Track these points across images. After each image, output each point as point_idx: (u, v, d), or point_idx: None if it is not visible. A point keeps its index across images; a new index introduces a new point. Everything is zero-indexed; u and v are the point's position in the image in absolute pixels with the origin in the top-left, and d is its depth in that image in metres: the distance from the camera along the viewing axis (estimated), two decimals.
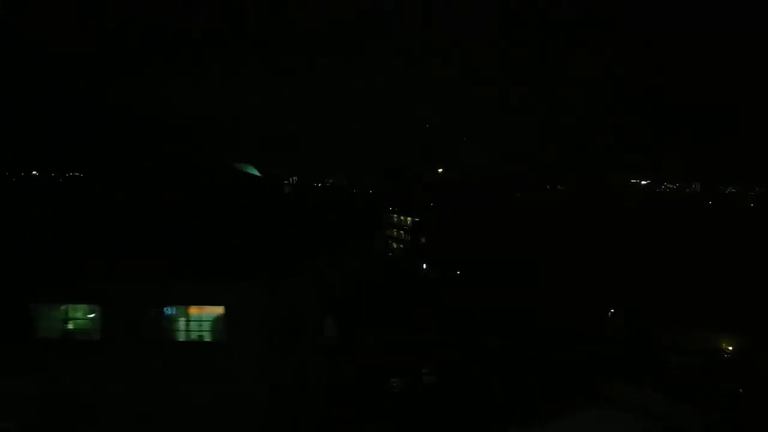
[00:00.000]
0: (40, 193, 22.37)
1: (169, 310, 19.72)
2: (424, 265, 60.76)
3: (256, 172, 29.10)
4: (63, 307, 19.97)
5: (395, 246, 74.64)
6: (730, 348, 30.98)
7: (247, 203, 23.44)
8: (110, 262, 19.51)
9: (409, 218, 77.66)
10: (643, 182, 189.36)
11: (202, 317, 19.86)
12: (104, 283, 19.44)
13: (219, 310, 19.67)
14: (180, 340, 19.80)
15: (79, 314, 20.01)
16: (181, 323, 19.83)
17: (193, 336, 19.91)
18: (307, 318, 20.94)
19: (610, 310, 37.81)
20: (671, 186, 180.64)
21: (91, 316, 19.91)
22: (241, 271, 19.34)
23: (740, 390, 22.24)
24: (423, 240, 71.83)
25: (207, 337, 19.94)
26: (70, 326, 20.04)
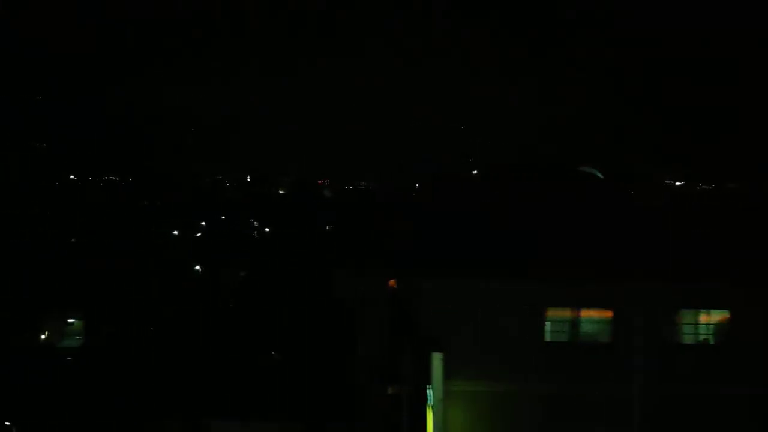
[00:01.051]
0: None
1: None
2: None
3: (599, 175, 29.48)
4: (570, 312, 20.45)
5: None
6: None
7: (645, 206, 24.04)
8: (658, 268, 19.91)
9: None
10: (677, 183, 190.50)
11: (709, 322, 20.46)
12: (617, 287, 20.01)
13: (724, 315, 20.29)
14: (685, 342, 20.38)
15: (587, 318, 20.50)
16: (688, 326, 20.39)
17: (700, 339, 20.51)
18: None
19: None
20: (707, 187, 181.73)
21: (598, 320, 20.45)
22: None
23: None
24: None
25: (711, 341, 20.56)
26: (577, 330, 20.52)
